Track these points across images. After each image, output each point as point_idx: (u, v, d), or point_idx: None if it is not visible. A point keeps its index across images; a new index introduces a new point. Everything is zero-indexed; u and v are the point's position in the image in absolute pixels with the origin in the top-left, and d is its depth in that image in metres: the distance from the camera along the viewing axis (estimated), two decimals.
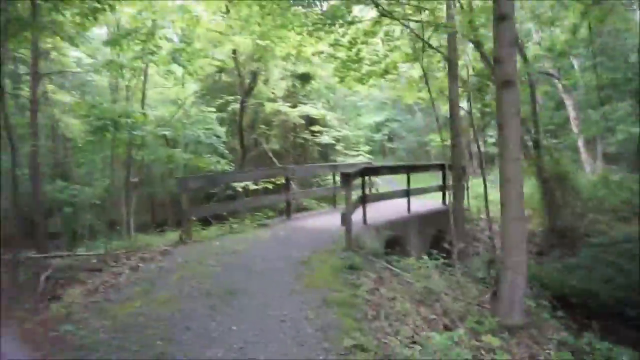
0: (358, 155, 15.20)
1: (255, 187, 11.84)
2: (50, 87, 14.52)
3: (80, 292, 5.91)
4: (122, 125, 7.28)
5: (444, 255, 7.43)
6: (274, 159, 15.95)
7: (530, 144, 11.66)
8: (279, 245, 7.26)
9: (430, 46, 8.48)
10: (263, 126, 15.54)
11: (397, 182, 20.22)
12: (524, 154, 11.55)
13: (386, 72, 10.71)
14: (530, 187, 12.60)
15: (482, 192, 16.85)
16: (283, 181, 10.83)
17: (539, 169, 10.68)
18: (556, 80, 15.30)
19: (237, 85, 14.47)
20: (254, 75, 13.91)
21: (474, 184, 16.83)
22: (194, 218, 8.52)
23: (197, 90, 14.89)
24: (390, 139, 35.71)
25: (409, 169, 10.87)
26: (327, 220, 9.90)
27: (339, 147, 15.93)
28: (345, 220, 6.85)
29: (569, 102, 15.63)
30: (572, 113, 15.58)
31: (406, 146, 35.29)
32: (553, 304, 6.14)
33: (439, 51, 8.80)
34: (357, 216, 8.77)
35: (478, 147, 10.76)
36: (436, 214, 11.44)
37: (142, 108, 11.12)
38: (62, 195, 15.24)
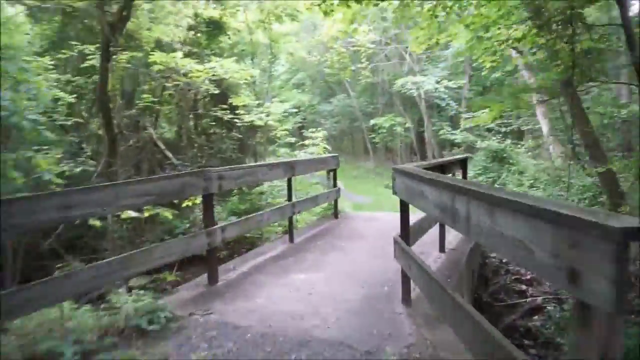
0: (309, 146, 9.77)
1: (135, 214, 5.56)
2: None
3: None
4: None
5: None
6: (168, 154, 9.77)
7: None
8: None
9: None
10: (148, 96, 9.15)
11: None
12: None
13: None
14: None
15: None
16: (197, 200, 5.07)
17: None
18: None
19: (96, 22, 8.00)
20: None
21: None
22: None
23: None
24: (303, 127, 30.79)
25: (441, 170, 5.72)
26: (304, 283, 4.41)
27: (279, 133, 10.19)
28: None
29: None
30: None
31: (326, 134, 30.65)
32: None
33: None
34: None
35: None
36: (473, 247, 6.59)
37: None
38: None
